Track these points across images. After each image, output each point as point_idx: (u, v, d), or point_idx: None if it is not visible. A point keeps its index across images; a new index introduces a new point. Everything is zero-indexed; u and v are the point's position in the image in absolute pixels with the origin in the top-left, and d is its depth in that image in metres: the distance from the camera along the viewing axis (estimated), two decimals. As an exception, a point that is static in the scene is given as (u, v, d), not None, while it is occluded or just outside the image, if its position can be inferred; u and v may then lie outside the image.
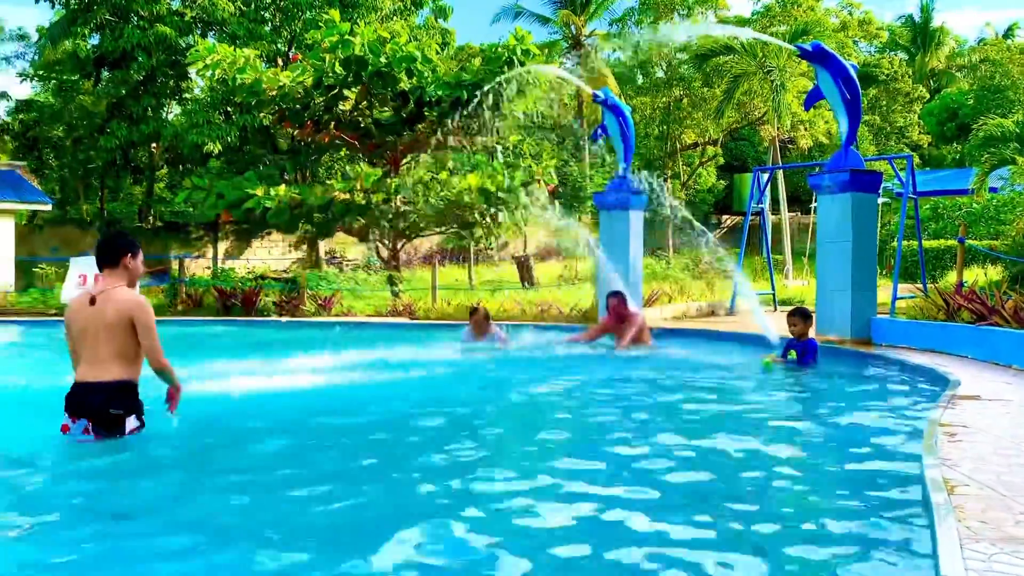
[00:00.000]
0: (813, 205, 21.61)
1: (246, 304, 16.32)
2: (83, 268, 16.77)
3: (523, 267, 24.34)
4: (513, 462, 4.70)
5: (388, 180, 18.72)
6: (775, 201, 29.23)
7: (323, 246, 28.70)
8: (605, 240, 12.79)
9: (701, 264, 19.80)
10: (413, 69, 18.74)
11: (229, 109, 23.31)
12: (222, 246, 28.77)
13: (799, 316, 8.22)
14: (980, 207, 23.95)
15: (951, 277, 16.84)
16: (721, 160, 39.08)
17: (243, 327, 14.97)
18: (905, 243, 17.70)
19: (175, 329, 13.51)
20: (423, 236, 22.49)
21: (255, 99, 19.45)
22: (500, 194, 18.85)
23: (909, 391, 6.82)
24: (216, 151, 22.78)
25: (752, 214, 16.38)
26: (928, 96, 39.90)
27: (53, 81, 29.09)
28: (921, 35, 45.09)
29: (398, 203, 18.28)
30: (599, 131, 13.37)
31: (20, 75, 30.74)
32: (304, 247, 29.04)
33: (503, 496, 3.87)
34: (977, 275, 16.45)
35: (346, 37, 18.40)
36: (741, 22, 36.65)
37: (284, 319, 15.76)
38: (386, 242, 21.06)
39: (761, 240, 17.16)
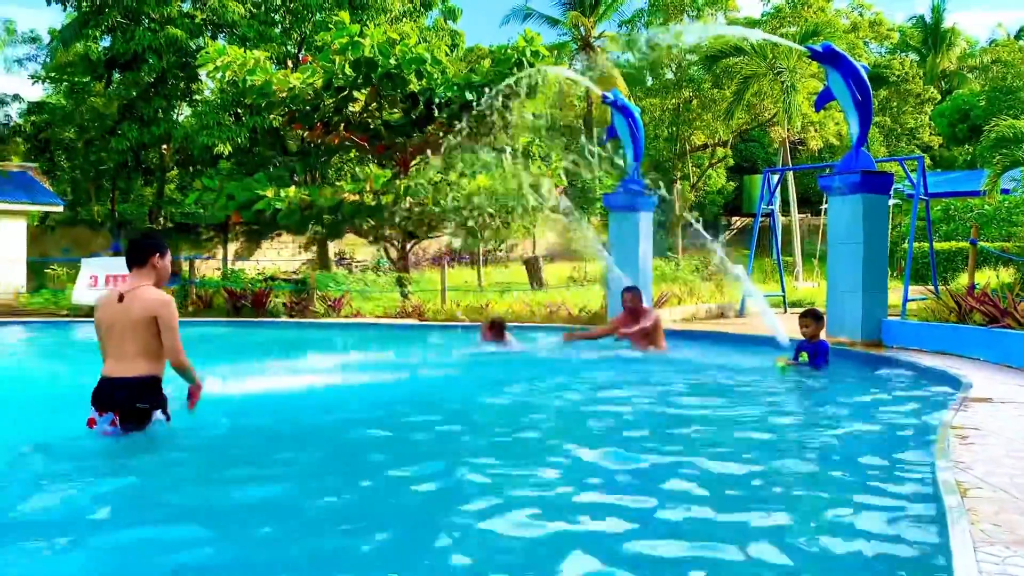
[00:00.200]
0: (824, 207, 21.54)
1: (256, 305, 16.35)
2: (94, 269, 16.90)
3: (532, 268, 24.34)
4: (513, 461, 4.70)
5: (397, 181, 18.73)
6: (785, 203, 29.12)
7: (332, 247, 28.79)
8: (614, 242, 12.77)
9: (710, 266, 19.75)
10: (423, 71, 18.75)
11: (239, 111, 23.40)
12: (232, 247, 28.90)
13: (811, 318, 8.19)
14: (992, 209, 23.84)
15: (962, 279, 16.78)
16: (731, 162, 39.00)
17: (253, 328, 15.01)
18: (916, 245, 17.60)
19: (185, 331, 13.50)
20: (431, 238, 22.50)
21: (265, 101, 19.50)
22: (510, 196, 18.84)
23: (921, 394, 6.79)
24: (226, 153, 22.88)
25: (762, 216, 16.34)
26: (939, 97, 39.68)
27: (65, 83, 29.21)
28: (932, 36, 44.87)
29: (409, 203, 18.28)
30: (609, 132, 13.35)
31: (32, 77, 30.90)
32: (314, 248, 29.16)
33: (509, 498, 3.87)
34: (989, 277, 16.37)
35: (356, 39, 18.42)
36: (751, 23, 36.53)
37: (294, 320, 15.79)
38: (395, 243, 21.08)
39: (771, 242, 17.10)
